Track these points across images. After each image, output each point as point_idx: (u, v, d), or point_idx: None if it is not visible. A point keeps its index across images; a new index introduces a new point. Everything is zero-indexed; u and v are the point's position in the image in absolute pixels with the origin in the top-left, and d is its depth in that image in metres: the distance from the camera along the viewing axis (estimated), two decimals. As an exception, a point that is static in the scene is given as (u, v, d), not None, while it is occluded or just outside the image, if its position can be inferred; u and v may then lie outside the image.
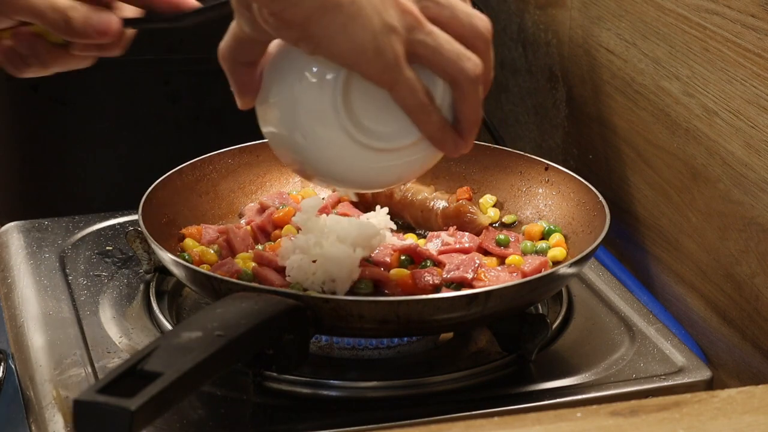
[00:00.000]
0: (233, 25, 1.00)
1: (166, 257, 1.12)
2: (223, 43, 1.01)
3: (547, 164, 1.29)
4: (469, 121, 1.00)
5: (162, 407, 0.88)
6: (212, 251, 1.20)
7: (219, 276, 1.09)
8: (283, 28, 0.94)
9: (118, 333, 1.17)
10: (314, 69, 0.99)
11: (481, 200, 1.31)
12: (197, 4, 1.08)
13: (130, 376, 0.89)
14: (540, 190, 1.30)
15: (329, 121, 0.99)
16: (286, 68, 1.01)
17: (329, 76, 0.99)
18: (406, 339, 1.15)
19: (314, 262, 1.14)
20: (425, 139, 1.01)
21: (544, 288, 1.12)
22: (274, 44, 1.02)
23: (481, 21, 0.98)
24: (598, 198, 1.22)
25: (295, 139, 1.01)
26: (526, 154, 1.32)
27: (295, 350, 1.03)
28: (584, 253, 1.12)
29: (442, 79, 0.99)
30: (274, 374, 1.08)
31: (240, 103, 1.04)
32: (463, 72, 0.97)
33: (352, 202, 1.30)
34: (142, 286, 1.25)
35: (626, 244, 1.48)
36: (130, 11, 1.08)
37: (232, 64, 1.02)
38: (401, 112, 0.99)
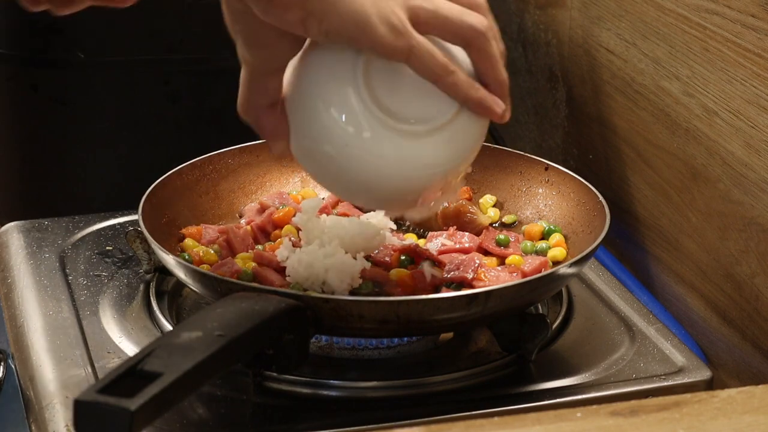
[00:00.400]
0: (241, 75, 1.00)
1: (166, 257, 1.12)
2: (239, 98, 1.01)
3: (547, 164, 1.29)
4: (495, 81, 0.99)
5: (162, 407, 0.88)
6: (212, 251, 1.20)
7: (219, 276, 1.09)
8: (284, 11, 0.93)
9: (118, 333, 1.17)
10: (330, 72, 0.98)
11: (481, 200, 1.31)
12: None
13: (130, 376, 0.89)
14: (540, 190, 1.30)
15: (360, 117, 0.97)
16: (302, 87, 0.99)
17: (347, 73, 0.97)
18: (406, 339, 1.15)
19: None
20: (462, 110, 0.99)
21: (544, 288, 1.12)
22: (287, 80, 1.01)
23: None
24: (598, 198, 1.22)
25: (328, 153, 0.99)
26: (526, 154, 1.32)
27: (295, 350, 1.03)
28: (584, 253, 1.12)
29: (452, 42, 0.98)
30: (274, 374, 1.08)
31: (275, 149, 1.02)
32: (471, 27, 0.96)
33: None
34: (142, 286, 1.25)
35: (626, 244, 1.48)
36: None
37: (254, 112, 1.01)
38: (429, 89, 0.97)
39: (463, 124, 1.00)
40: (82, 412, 0.86)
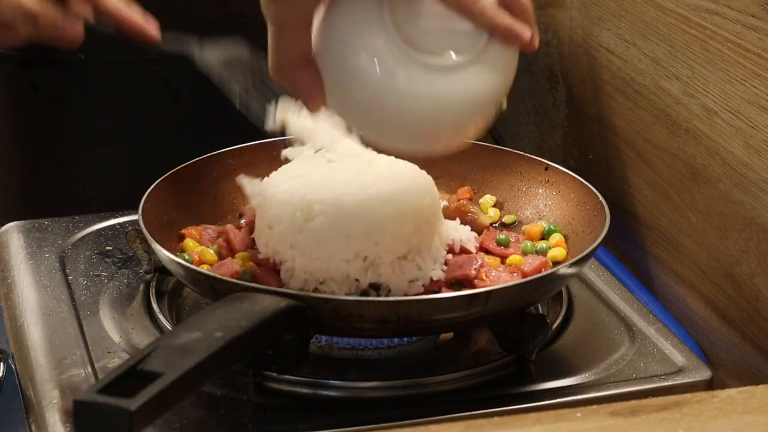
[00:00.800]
0: (268, 36, 1.00)
1: (166, 257, 1.12)
2: (270, 61, 1.01)
3: (547, 164, 1.29)
4: (519, 8, 0.99)
5: (162, 407, 0.88)
6: (212, 251, 1.20)
7: (219, 276, 1.09)
8: None
9: (118, 333, 1.17)
10: (356, 15, 0.98)
11: (481, 200, 1.31)
12: (157, 38, 1.10)
13: (130, 376, 0.89)
14: (540, 190, 1.30)
15: (390, 55, 0.97)
16: (330, 35, 0.99)
17: (373, 13, 0.97)
18: (406, 339, 1.15)
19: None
20: (491, 42, 0.98)
21: (544, 288, 1.12)
22: (315, 33, 1.00)
23: None
24: (598, 198, 1.22)
25: (363, 96, 0.99)
26: (526, 154, 1.32)
27: (295, 350, 1.03)
28: (584, 254, 1.12)
29: None
30: (274, 374, 1.08)
31: (311, 107, 1.02)
32: None
33: None
34: (142, 286, 1.25)
35: (626, 244, 1.48)
36: (87, 12, 1.09)
37: (287, 72, 1.01)
38: (456, 23, 0.97)
39: (493, 56, 1.00)
40: (82, 412, 0.86)
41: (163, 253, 1.12)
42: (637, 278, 1.44)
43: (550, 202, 1.29)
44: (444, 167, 1.32)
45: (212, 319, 0.97)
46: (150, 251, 1.23)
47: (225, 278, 1.09)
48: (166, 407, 0.89)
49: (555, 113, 1.63)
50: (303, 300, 1.04)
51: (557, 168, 1.29)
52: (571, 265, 1.11)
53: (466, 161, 1.33)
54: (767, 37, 1.18)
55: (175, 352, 0.91)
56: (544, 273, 1.14)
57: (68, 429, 1.04)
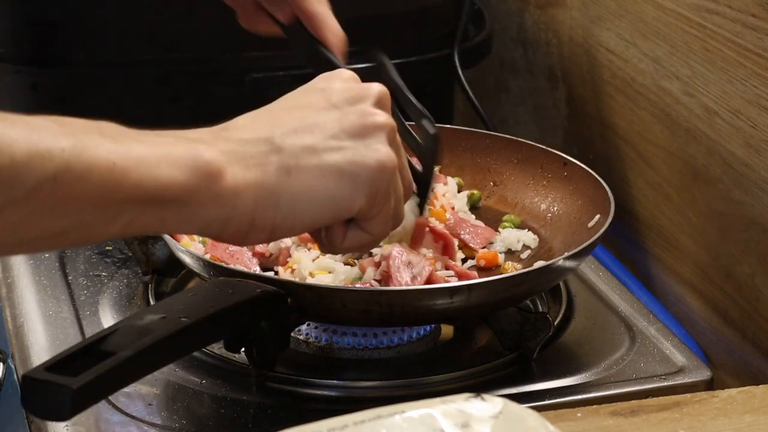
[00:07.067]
0: None
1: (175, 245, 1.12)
2: None
3: (566, 159, 1.29)
4: None
5: (110, 387, 0.88)
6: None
7: (211, 261, 1.09)
8: None
9: (118, 333, 1.17)
10: None
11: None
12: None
13: (87, 355, 0.88)
14: (557, 184, 1.30)
15: None
16: None
17: None
18: (406, 338, 1.15)
19: None
20: None
21: (534, 282, 1.10)
22: None
23: None
24: (607, 195, 1.21)
25: None
26: (548, 148, 1.31)
27: (272, 337, 1.03)
28: (579, 249, 1.12)
29: None
30: (276, 374, 1.08)
31: None
32: None
33: None
34: (141, 287, 1.25)
35: (626, 244, 1.48)
36: None
37: None
38: None
39: None
40: (30, 388, 0.85)
41: (174, 244, 1.12)
42: (637, 278, 1.44)
43: (563, 198, 1.29)
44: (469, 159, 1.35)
45: (182, 302, 0.96)
46: (148, 253, 1.23)
47: (215, 263, 1.09)
48: (114, 387, 0.89)
49: (555, 113, 1.63)
50: (284, 287, 1.03)
51: (574, 162, 1.28)
52: (565, 259, 1.10)
53: (486, 154, 1.34)
54: (767, 37, 1.18)
55: (134, 333, 0.90)
56: (534, 267, 1.12)
57: (68, 430, 1.04)
